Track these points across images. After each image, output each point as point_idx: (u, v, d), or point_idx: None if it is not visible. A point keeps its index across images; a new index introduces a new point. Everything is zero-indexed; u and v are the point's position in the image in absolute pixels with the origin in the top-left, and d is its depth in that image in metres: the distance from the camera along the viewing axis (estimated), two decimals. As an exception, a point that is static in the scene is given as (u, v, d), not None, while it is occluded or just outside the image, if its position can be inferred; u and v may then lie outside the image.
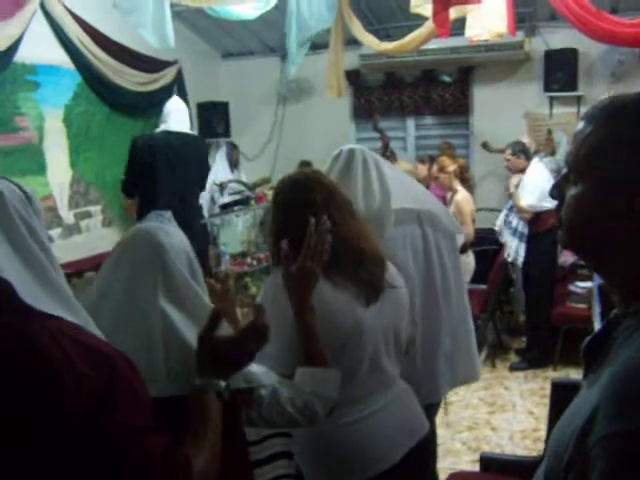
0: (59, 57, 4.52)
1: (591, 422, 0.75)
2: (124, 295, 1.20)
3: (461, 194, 4.45)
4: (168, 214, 1.33)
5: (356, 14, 4.90)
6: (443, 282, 2.14)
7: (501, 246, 4.75)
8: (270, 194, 4.66)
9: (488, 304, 4.69)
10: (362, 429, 1.62)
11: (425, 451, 1.80)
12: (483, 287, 4.67)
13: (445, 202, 4.42)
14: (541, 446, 3.25)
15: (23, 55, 4.13)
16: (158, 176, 4.15)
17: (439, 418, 3.05)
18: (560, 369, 4.44)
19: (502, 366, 4.63)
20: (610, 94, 4.08)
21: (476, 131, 5.98)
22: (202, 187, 4.50)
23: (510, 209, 4.65)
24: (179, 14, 5.17)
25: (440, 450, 3.18)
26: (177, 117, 4.31)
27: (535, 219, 4.42)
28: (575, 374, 4.02)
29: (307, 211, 1.54)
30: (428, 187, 4.64)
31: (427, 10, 4.00)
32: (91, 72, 4.75)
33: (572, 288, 4.79)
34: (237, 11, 4.36)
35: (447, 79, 6.03)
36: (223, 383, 1.15)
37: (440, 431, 3.43)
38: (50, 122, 4.47)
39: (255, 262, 5.02)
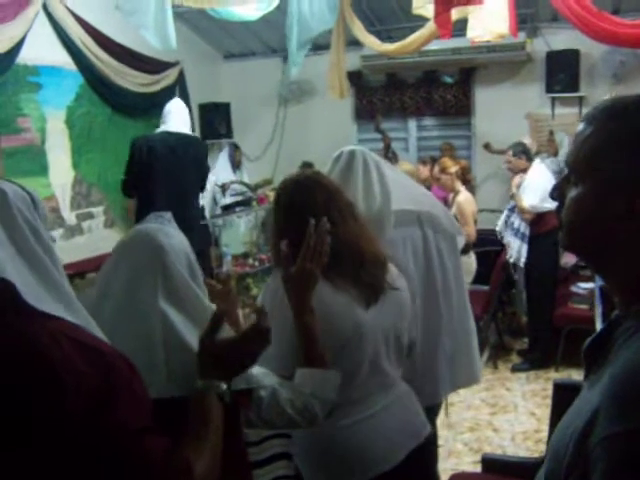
0: (61, 58, 4.53)
1: (592, 423, 0.75)
2: (124, 297, 1.20)
3: (463, 195, 4.45)
4: (168, 215, 1.33)
5: (357, 15, 4.89)
6: (443, 284, 2.14)
7: (503, 247, 4.74)
8: (272, 195, 4.66)
9: (490, 305, 4.68)
10: (362, 430, 1.61)
11: (426, 452, 1.79)
12: (485, 288, 4.67)
13: (447, 203, 4.42)
14: (543, 447, 3.25)
15: (25, 56, 4.14)
16: (156, 177, 4.12)
17: (440, 419, 3.05)
18: (562, 370, 4.43)
19: (504, 367, 4.62)
20: (612, 95, 4.09)
21: (478, 132, 5.97)
22: (202, 188, 4.50)
23: (511, 210, 4.64)
24: (181, 15, 5.18)
25: (442, 451, 3.18)
26: (177, 118, 4.29)
27: (537, 220, 4.40)
28: (577, 375, 4.00)
29: (307, 212, 1.54)
30: (430, 188, 4.64)
31: (429, 11, 4.00)
32: (93, 73, 4.76)
33: (574, 289, 4.79)
34: (239, 12, 4.36)
35: (449, 80, 6.02)
36: (224, 385, 1.15)
37: (442, 432, 3.43)
38: (52, 123, 4.48)
39: (257, 263, 5.03)
